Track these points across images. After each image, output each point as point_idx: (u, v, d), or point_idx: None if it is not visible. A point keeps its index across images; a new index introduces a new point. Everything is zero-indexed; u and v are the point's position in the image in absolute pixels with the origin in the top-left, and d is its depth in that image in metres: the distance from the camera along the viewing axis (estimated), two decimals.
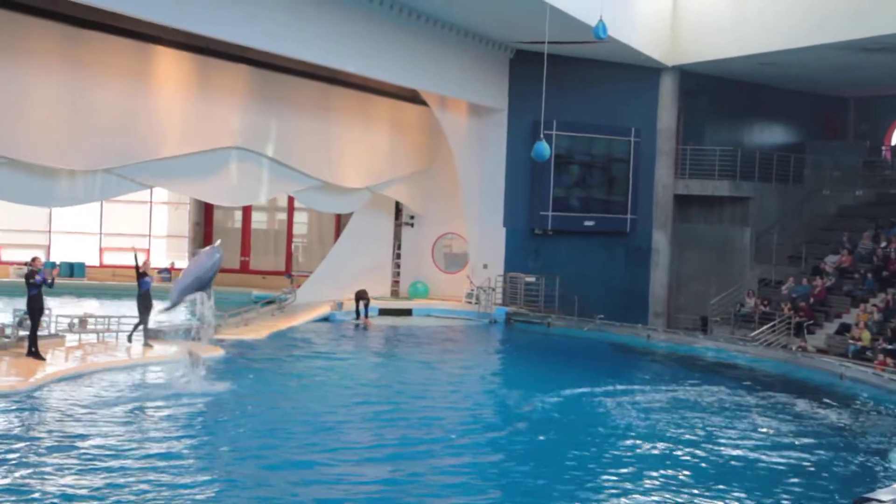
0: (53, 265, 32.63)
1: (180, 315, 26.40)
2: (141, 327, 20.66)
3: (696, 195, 31.85)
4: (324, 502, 11.42)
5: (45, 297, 18.85)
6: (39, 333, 18.83)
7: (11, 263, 32.70)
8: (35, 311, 18.45)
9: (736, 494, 12.35)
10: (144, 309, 20.52)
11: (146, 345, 20.49)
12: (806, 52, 27.01)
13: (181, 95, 23.55)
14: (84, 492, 11.10)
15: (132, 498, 10.96)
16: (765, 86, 32.67)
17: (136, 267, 20.68)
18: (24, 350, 18.47)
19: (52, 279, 19.34)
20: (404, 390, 18.57)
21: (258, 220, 35.73)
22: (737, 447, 14.90)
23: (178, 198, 34.62)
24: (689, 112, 32.18)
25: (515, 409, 17.58)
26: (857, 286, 27.44)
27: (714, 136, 32.59)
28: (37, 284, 18.25)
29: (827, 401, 19.20)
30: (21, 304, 19.24)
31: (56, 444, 13.04)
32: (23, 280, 18.89)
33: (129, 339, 20.71)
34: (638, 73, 30.65)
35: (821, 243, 31.23)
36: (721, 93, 32.42)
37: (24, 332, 19.00)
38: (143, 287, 20.41)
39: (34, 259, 19.11)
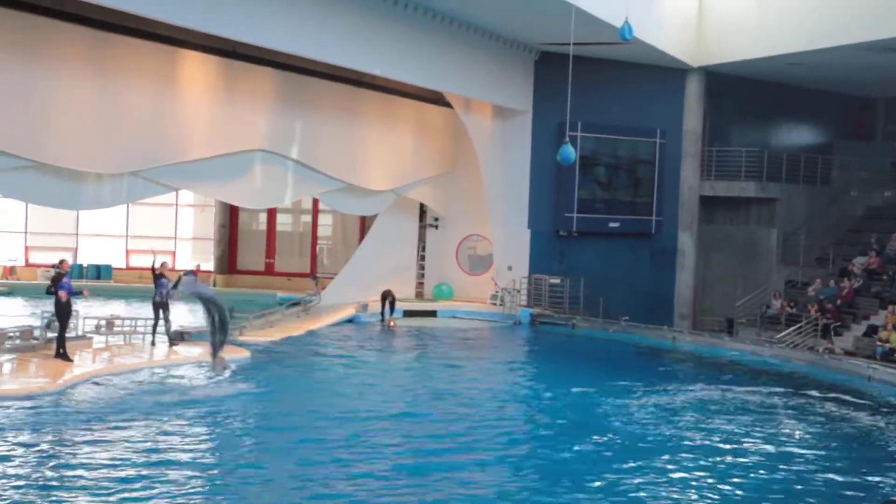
0: (79, 268, 32.90)
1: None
2: (162, 329, 20.79)
3: (722, 196, 31.69)
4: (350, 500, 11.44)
5: (72, 299, 18.98)
6: (67, 335, 18.96)
7: (39, 266, 33.02)
8: (63, 313, 18.57)
9: (763, 497, 12.26)
10: (163, 311, 20.65)
11: (172, 346, 20.59)
12: (833, 52, 26.81)
13: (207, 98, 23.67)
14: (113, 486, 11.16)
15: (159, 497, 11.01)
16: (791, 86, 32.46)
17: (153, 269, 20.82)
18: (53, 352, 18.61)
19: (80, 292, 19.54)
20: (430, 392, 18.55)
21: (283, 222, 35.87)
22: (764, 449, 14.80)
23: (204, 200, 34.83)
24: (714, 113, 32.03)
25: (542, 411, 17.55)
26: (885, 288, 27.22)
27: (740, 137, 32.43)
28: (62, 289, 18.38)
29: (854, 403, 19.06)
30: (49, 305, 19.38)
31: (84, 444, 13.12)
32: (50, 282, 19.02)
33: (153, 342, 20.81)
34: (663, 74, 30.53)
35: (848, 245, 31.01)
36: (747, 93, 32.24)
37: (52, 334, 19.13)
38: (159, 288, 20.52)
39: (62, 261, 19.26)
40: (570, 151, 19.44)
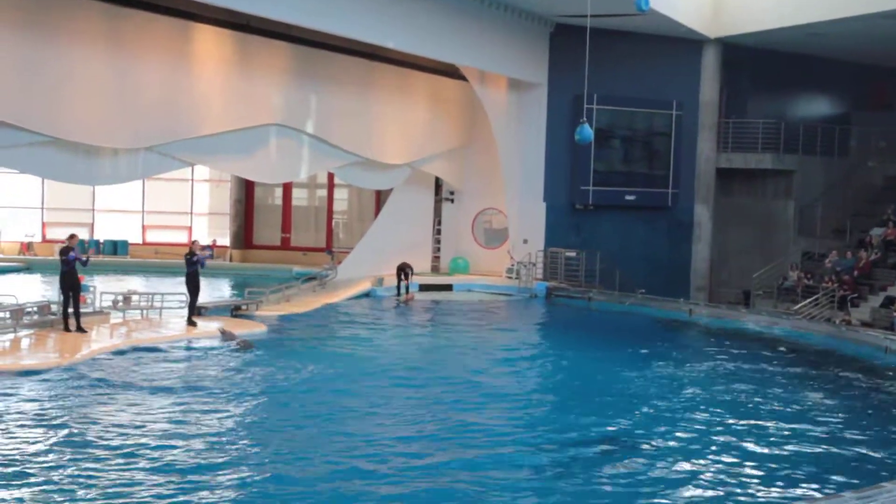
0: (96, 243, 33.03)
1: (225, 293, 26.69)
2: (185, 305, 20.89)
3: (739, 168, 31.53)
4: (367, 474, 11.46)
5: (83, 274, 18.97)
6: (84, 310, 19.03)
7: (56, 242, 33.14)
8: (66, 287, 18.62)
9: (782, 468, 12.25)
10: (193, 288, 20.71)
11: (190, 322, 20.57)
12: (852, 21, 26.53)
13: (222, 73, 23.67)
14: (128, 460, 11.24)
15: (176, 475, 11.07)
16: (808, 56, 32.16)
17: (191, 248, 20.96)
18: (73, 327, 18.69)
19: (87, 258, 19.60)
20: (447, 365, 18.56)
21: (299, 196, 35.95)
22: (782, 420, 14.77)
23: (220, 175, 34.90)
24: (731, 85, 31.82)
25: (557, 381, 17.58)
26: None
27: (757, 108, 32.20)
28: (69, 261, 18.45)
29: (872, 374, 19.01)
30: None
31: (100, 419, 13.19)
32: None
33: (192, 322, 20.73)
34: (680, 45, 30.31)
35: (866, 216, 30.84)
36: (764, 65, 31.99)
37: (69, 310, 19.17)
38: (190, 267, 20.55)
39: (71, 236, 19.30)
40: (588, 131, 19.38)
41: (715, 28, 29.70)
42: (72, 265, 18.57)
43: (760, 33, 29.03)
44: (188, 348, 18.86)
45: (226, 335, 19.39)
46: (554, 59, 30.15)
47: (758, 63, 31.88)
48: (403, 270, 27.71)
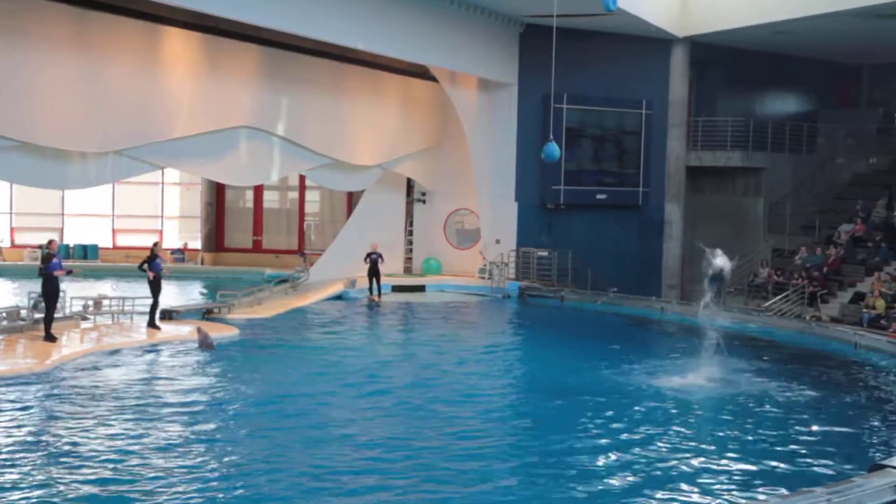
0: (65, 247, 32.76)
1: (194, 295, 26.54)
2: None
3: (709, 166, 31.71)
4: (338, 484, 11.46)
5: (59, 279, 18.83)
6: (55, 316, 18.87)
7: (25, 247, 32.92)
8: (50, 293, 18.44)
9: (753, 464, 12.33)
10: (156, 291, 20.56)
11: (156, 326, 20.36)
12: (819, 19, 26.72)
13: (191, 76, 23.57)
14: (101, 467, 11.17)
15: (149, 478, 11.02)
16: (777, 54, 32.41)
17: (152, 249, 20.82)
18: (41, 332, 18.48)
19: (71, 271, 19.52)
20: (420, 366, 18.55)
21: (270, 199, 35.81)
22: (752, 417, 14.88)
23: (190, 178, 34.72)
24: (700, 83, 32.00)
25: (536, 384, 17.61)
26: (871, 255, 27.33)
27: (726, 106, 32.40)
28: (52, 269, 18.27)
29: (842, 369, 19.16)
30: (36, 286, 19.26)
31: (72, 426, 13.10)
32: (38, 263, 18.88)
33: (155, 324, 20.55)
34: (649, 44, 30.43)
35: (834, 212, 31.10)
36: (732, 63, 32.16)
37: (39, 315, 19.01)
38: (154, 269, 20.41)
39: (50, 242, 19.15)
40: (553, 149, 19.44)
41: (683, 27, 29.83)
42: (53, 272, 18.35)
43: (728, 32, 29.17)
44: (155, 351, 18.71)
45: (202, 335, 19.20)
46: (524, 59, 30.18)
47: (726, 61, 32.07)
48: (374, 265, 27.31)
